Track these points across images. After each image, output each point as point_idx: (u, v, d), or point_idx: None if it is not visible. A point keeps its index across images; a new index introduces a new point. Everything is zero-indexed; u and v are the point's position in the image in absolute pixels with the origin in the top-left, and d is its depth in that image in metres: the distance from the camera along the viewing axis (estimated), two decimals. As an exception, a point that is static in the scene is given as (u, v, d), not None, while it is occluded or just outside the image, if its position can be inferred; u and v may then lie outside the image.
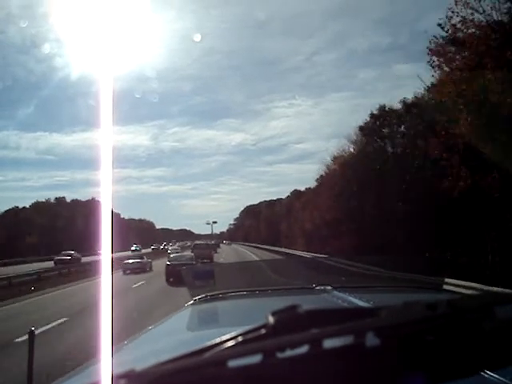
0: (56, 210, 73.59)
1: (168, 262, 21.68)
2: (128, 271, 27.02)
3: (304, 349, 0.62)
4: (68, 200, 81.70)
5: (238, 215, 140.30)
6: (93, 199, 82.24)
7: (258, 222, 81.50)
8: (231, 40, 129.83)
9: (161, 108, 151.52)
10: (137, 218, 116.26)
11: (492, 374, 0.90)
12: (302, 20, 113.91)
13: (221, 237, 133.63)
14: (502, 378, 0.91)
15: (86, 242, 53.62)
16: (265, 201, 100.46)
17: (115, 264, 25.51)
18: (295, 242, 44.01)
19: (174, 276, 16.76)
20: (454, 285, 8.69)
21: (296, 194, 59.61)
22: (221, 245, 75.06)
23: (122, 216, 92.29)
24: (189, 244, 66.68)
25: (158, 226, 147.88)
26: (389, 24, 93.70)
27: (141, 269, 27.81)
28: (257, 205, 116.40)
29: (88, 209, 71.83)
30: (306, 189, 49.10)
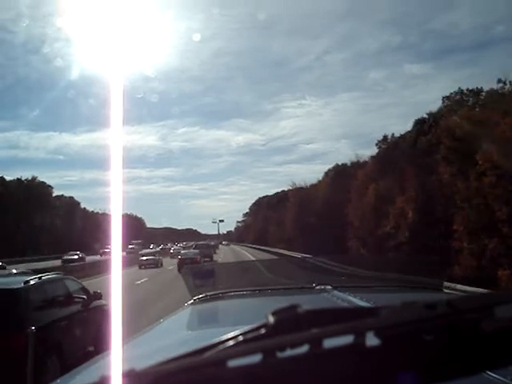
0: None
1: (179, 257, 31.81)
2: (143, 266, 34.03)
3: (304, 348, 0.62)
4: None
5: (248, 210, 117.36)
6: (31, 179, 61.13)
7: (281, 214, 53.85)
8: (240, 40, 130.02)
9: (170, 108, 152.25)
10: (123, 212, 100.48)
11: (492, 374, 0.90)
12: (312, 20, 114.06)
13: (228, 236, 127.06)
14: (502, 378, 0.91)
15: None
16: (283, 191, 70.71)
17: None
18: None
19: (183, 265, 23.51)
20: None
21: (340, 169, 39.67)
22: (219, 245, 74.80)
23: (86, 208, 76.00)
24: (190, 244, 66.10)
25: (162, 226, 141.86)
26: (399, 24, 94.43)
27: (154, 264, 34.94)
28: (272, 196, 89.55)
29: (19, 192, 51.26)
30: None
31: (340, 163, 42.31)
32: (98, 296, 8.19)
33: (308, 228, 36.59)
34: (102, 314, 7.94)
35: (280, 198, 67.51)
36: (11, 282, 6.70)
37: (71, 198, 76.57)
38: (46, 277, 7.08)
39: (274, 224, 58.83)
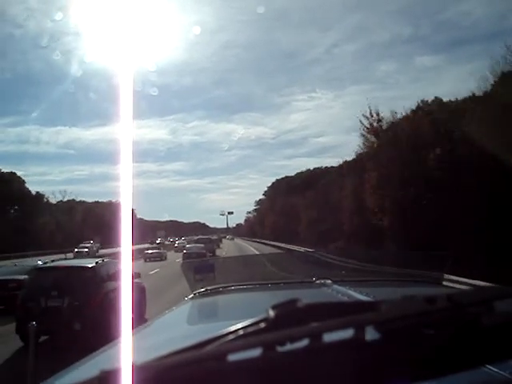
0: None
1: (185, 251, 32.28)
2: (148, 259, 34.69)
3: (304, 342, 0.62)
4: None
5: (261, 197, 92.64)
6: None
7: (320, 197, 36.96)
8: (250, 33, 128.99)
9: (179, 101, 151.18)
10: (106, 200, 72.14)
11: (492, 368, 0.90)
12: (321, 11, 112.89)
13: (238, 230, 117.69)
14: (501, 372, 0.91)
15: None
16: (308, 170, 56.98)
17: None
18: None
19: (188, 259, 24.61)
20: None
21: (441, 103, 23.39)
22: (223, 240, 73.83)
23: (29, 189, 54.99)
24: (195, 239, 63.86)
25: (167, 218, 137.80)
26: (410, 15, 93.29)
27: (159, 258, 35.92)
28: (295, 177, 68.82)
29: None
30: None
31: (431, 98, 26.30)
32: (137, 275, 11.01)
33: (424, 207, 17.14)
34: (139, 288, 10.79)
35: (304, 179, 54.22)
36: (86, 262, 10.10)
37: (12, 173, 54.86)
38: (106, 259, 10.45)
39: (309, 209, 39.01)
